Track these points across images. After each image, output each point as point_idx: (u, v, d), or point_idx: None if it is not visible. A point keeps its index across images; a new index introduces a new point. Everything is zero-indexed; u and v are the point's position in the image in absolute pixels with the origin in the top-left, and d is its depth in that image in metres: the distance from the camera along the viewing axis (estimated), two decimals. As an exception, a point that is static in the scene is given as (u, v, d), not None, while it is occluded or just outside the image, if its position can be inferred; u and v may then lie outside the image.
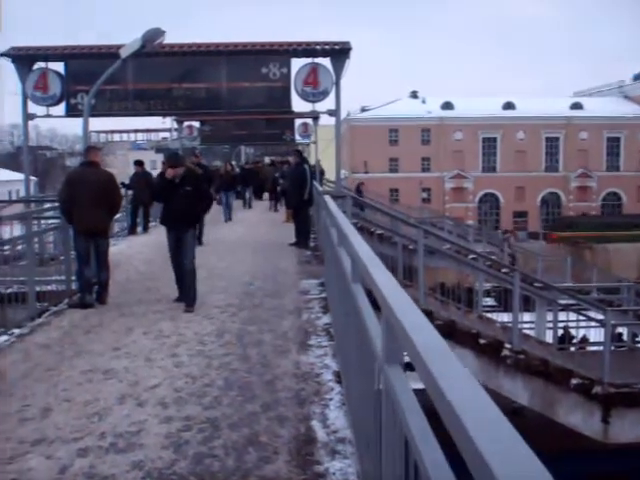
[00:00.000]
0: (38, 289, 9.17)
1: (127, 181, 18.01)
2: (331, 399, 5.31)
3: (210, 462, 4.21)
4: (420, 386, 2.58)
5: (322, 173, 27.83)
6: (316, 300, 9.16)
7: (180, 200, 8.81)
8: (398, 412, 2.36)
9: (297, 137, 35.23)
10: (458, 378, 1.66)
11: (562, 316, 14.92)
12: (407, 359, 2.23)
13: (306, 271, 11.61)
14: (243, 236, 16.83)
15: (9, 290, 9.21)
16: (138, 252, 13.80)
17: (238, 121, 29.09)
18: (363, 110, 79.02)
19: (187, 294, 8.86)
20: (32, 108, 14.97)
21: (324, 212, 9.87)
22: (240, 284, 10.40)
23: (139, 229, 17.88)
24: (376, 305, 3.36)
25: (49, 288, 10.01)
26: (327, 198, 9.47)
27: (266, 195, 30.77)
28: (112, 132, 50.28)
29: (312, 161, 25.57)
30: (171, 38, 11.83)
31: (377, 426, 3.01)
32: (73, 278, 9.63)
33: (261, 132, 31.62)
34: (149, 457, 4.29)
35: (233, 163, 30.37)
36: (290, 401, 5.28)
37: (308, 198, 14.71)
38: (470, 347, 11.41)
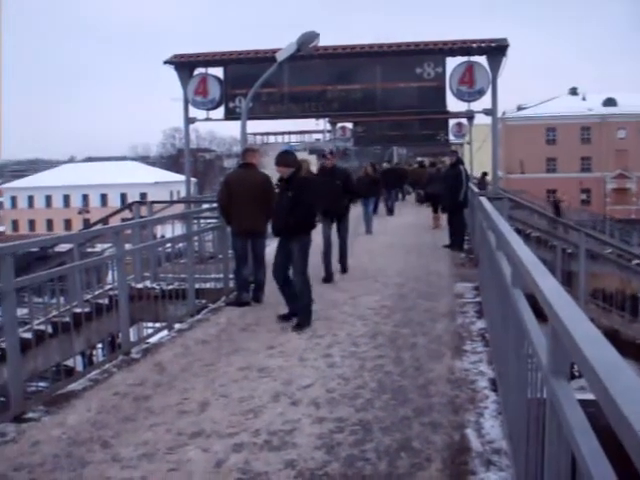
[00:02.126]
0: (197, 286, 9.51)
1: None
2: (486, 407, 5.13)
3: (362, 465, 4.17)
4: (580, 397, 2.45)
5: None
6: (470, 304, 8.94)
7: (279, 205, 8.11)
8: (564, 427, 2.23)
9: (451, 137, 34.80)
10: (637, 394, 1.52)
11: None
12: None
13: (460, 274, 11.37)
14: (393, 239, 16.71)
15: (170, 287, 9.63)
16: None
17: (391, 122, 29.07)
18: (519, 109, 76.94)
19: (300, 312, 8.02)
20: (193, 112, 15.60)
21: (480, 214, 9.62)
22: (393, 286, 10.34)
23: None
24: (537, 312, 3.20)
25: (207, 286, 10.37)
26: (483, 200, 9.21)
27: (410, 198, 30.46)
28: (267, 134, 51.65)
29: (466, 161, 24.80)
30: (325, 41, 11.95)
31: (538, 440, 2.86)
32: (230, 276, 9.92)
33: (414, 132, 31.44)
34: (302, 457, 4.31)
35: (385, 164, 30.23)
36: (444, 407, 5.15)
37: (463, 199, 14.43)
38: (634, 359, 10.73)
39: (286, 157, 8.28)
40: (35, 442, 4.70)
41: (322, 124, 44.64)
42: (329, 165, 11.53)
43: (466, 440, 4.53)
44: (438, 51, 14.62)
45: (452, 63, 14.53)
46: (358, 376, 5.97)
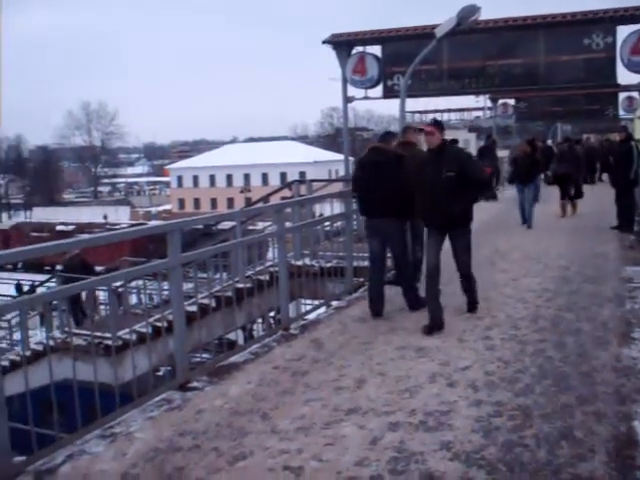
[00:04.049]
0: (355, 264, 9.56)
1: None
2: (657, 399, 4.84)
3: (520, 452, 4.05)
4: None
5: None
6: (641, 289, 8.45)
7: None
8: None
9: (620, 112, 32.95)
10: None
11: None
12: None
13: (629, 257, 10.76)
14: (553, 222, 16.04)
15: (329, 264, 9.76)
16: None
17: (555, 97, 27.93)
18: (699, 79, 71.53)
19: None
20: (351, 91, 15.69)
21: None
22: (556, 268, 9.94)
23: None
24: None
25: (366, 264, 10.40)
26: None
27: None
28: (425, 112, 51.09)
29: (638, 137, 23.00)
30: (485, 14, 11.57)
31: None
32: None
33: (580, 108, 30.07)
34: (458, 439, 4.24)
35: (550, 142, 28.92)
36: (609, 397, 4.90)
37: (634, 178, 13.62)
38: None
39: (383, 136, 8.48)
40: (199, 410, 4.92)
41: (482, 101, 43.64)
42: (433, 144, 6.99)
43: (634, 433, 4.30)
44: (608, 19, 13.85)
45: (624, 32, 13.70)
46: (518, 360, 5.81)
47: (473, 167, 7.09)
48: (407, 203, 7.49)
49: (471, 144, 54.88)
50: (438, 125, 7.11)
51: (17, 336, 12.37)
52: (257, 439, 4.38)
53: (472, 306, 7.55)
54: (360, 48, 15.33)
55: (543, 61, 14.35)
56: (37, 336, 12.07)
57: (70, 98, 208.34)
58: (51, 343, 8.93)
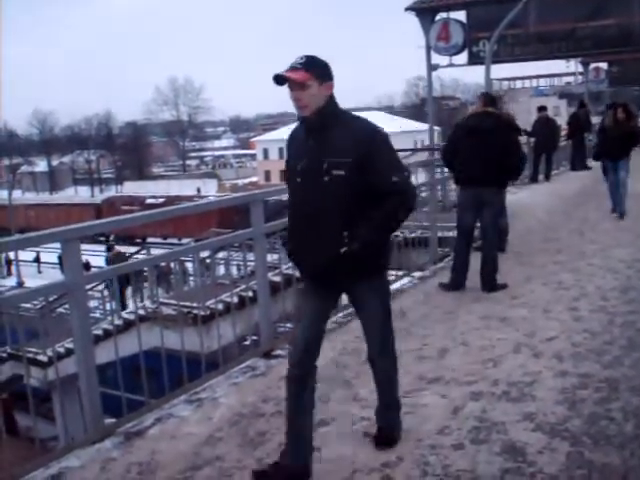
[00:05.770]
0: (439, 235, 9.48)
1: (529, 128, 17.54)
2: None
3: (606, 424, 3.97)
4: None
5: None
6: None
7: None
8: None
9: None
10: None
11: None
12: None
13: None
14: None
15: (413, 235, 9.70)
16: (539, 201, 13.53)
17: (652, 59, 26.73)
18: None
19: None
20: (435, 59, 15.45)
21: None
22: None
23: (540, 177, 17.44)
24: None
25: (449, 234, 10.29)
26: None
27: None
28: (514, 79, 49.94)
29: None
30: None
31: None
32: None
33: (678, 70, 28.71)
34: (541, 410, 4.19)
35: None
36: (702, 371, 4.72)
37: None
38: None
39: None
40: (282, 377, 4.96)
41: (573, 65, 42.30)
42: (309, 106, 3.50)
43: None
44: None
45: None
46: (606, 331, 5.66)
47: (388, 157, 3.43)
48: (512, 172, 7.41)
49: (562, 111, 53.32)
50: (314, 68, 3.44)
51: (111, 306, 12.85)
52: (339, 406, 4.43)
53: (385, 438, 3.92)
54: (444, 14, 15.04)
55: (639, 20, 13.69)
56: (130, 306, 12.49)
57: (157, 75, 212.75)
58: (142, 312, 9.21)
